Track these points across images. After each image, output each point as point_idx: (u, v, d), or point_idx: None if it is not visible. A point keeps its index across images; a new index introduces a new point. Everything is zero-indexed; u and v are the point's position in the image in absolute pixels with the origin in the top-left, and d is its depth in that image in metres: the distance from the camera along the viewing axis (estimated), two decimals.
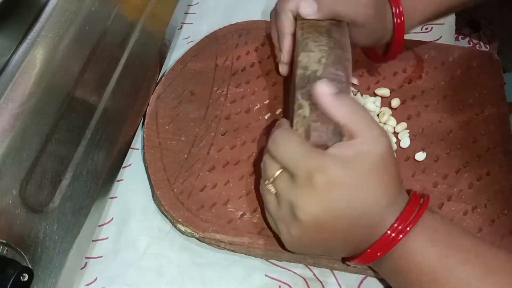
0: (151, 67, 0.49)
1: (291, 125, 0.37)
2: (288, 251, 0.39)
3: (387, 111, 0.48)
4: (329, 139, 0.35)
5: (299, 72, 0.39)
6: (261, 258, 0.42)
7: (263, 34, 0.54)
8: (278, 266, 0.42)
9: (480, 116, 0.49)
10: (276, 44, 0.48)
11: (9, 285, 0.31)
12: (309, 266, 0.42)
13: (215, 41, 0.54)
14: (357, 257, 0.36)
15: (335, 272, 0.42)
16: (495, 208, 0.43)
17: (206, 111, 0.49)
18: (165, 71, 0.52)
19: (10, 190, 0.36)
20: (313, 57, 0.39)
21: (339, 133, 0.35)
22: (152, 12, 0.51)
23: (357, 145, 0.34)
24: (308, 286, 0.41)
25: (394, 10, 0.45)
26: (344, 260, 0.39)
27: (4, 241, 0.34)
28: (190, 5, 0.60)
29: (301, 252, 0.39)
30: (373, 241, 0.34)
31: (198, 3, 0.60)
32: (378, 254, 0.35)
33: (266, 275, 0.41)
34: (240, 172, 0.45)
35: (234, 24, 0.55)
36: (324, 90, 0.35)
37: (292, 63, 0.44)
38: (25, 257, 0.35)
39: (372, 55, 0.51)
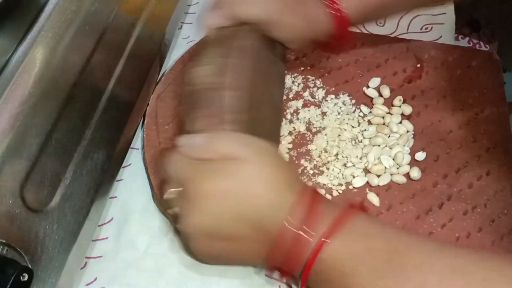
0: (151, 67, 0.49)
1: None
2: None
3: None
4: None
5: (190, 87, 0.41)
6: None
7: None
8: None
9: (480, 116, 0.49)
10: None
11: (9, 285, 0.31)
12: None
13: None
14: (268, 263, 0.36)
15: None
16: (495, 208, 0.43)
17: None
18: (165, 71, 0.52)
19: (10, 190, 0.36)
20: (204, 72, 0.40)
21: None
22: (152, 12, 0.51)
23: (235, 159, 0.35)
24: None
25: (328, 7, 0.44)
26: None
27: (4, 241, 0.34)
28: (190, 5, 0.60)
29: (216, 264, 0.40)
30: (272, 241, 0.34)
31: (198, 3, 0.60)
32: (282, 255, 0.34)
33: (266, 275, 0.41)
34: None
35: None
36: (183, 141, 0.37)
37: None
38: (25, 257, 0.35)
39: (323, 47, 0.51)
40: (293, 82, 0.51)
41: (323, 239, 0.32)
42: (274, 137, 0.44)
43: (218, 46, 0.42)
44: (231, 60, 0.40)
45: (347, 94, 0.50)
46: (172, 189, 0.36)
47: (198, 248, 0.37)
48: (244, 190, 0.34)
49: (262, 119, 0.42)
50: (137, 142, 0.49)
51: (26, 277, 0.33)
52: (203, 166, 0.35)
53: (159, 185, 0.42)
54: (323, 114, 0.49)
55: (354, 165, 0.46)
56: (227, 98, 0.39)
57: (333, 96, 0.50)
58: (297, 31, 0.45)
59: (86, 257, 0.42)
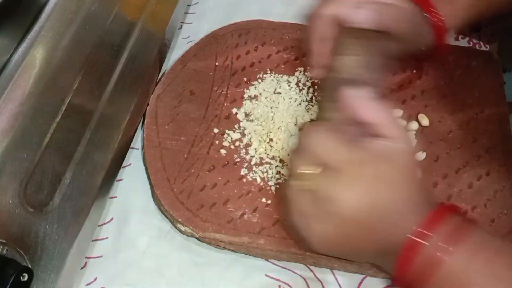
0: (151, 67, 0.49)
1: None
2: (316, 253, 0.38)
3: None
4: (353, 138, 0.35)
5: (335, 75, 0.40)
6: (261, 258, 0.42)
7: (263, 34, 0.54)
8: (278, 265, 0.42)
9: (480, 116, 0.49)
10: (313, 47, 0.44)
11: (9, 285, 0.32)
12: (309, 265, 0.42)
13: (215, 41, 0.54)
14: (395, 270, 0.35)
15: (335, 271, 0.42)
16: (495, 208, 0.43)
17: (206, 110, 0.49)
18: (165, 70, 0.52)
19: (10, 190, 0.36)
20: (351, 62, 0.40)
21: (363, 134, 0.35)
22: (152, 12, 0.51)
23: (391, 143, 0.34)
24: (308, 286, 0.41)
25: (432, 19, 0.44)
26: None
27: (4, 241, 0.34)
28: (190, 5, 0.60)
29: (329, 253, 0.38)
30: (398, 248, 0.33)
31: (198, 3, 0.60)
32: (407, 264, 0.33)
33: (266, 275, 0.41)
34: (240, 172, 0.45)
35: (234, 23, 0.55)
36: (359, 94, 0.36)
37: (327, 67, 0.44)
38: (25, 257, 0.35)
39: (418, 58, 0.51)
40: (297, 83, 0.51)
41: (440, 254, 0.32)
42: None
43: (360, 42, 0.41)
44: (374, 57, 0.40)
45: None
46: (310, 167, 0.35)
47: (336, 233, 0.35)
48: (405, 188, 0.34)
49: None
50: (137, 142, 0.49)
51: (26, 277, 0.33)
52: (370, 149, 0.34)
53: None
54: None
55: None
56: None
57: None
58: (410, 49, 0.45)
59: (86, 257, 0.42)
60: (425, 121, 0.48)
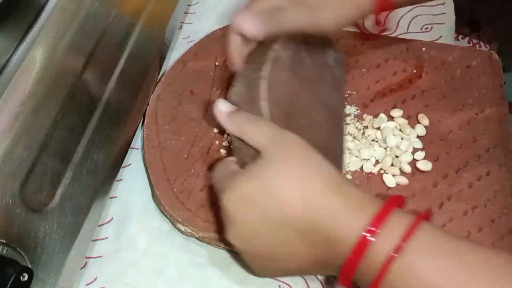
0: (151, 67, 0.49)
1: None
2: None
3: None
4: (244, 155, 0.36)
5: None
6: None
7: None
8: None
9: (480, 116, 0.49)
10: (229, 53, 0.43)
11: (9, 285, 0.32)
12: None
13: (215, 41, 0.54)
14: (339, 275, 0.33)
15: None
16: (495, 208, 0.43)
17: (206, 110, 0.49)
18: (165, 70, 0.52)
19: (10, 190, 0.36)
20: (235, 91, 0.40)
21: (248, 148, 0.36)
22: (152, 12, 0.51)
23: (260, 155, 0.34)
24: (308, 286, 0.41)
25: None
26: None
27: (4, 241, 0.34)
28: (190, 5, 0.60)
29: (276, 276, 0.39)
30: (337, 249, 0.32)
31: (198, 3, 0.60)
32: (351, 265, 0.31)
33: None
34: None
35: None
36: (218, 109, 0.37)
37: None
38: (25, 257, 0.35)
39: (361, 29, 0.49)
40: None
41: (392, 253, 0.30)
42: (333, 141, 0.44)
43: (252, 62, 0.41)
44: (263, 73, 0.39)
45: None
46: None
47: (250, 261, 0.36)
48: (281, 198, 0.32)
49: (311, 125, 0.41)
50: (137, 142, 0.49)
51: (26, 277, 0.33)
52: (237, 174, 0.34)
53: None
54: None
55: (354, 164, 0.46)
56: (263, 108, 0.37)
57: None
58: (344, 14, 0.42)
59: (86, 257, 0.42)
60: (425, 121, 0.48)
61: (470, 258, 0.30)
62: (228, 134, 0.46)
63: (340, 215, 0.32)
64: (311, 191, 0.32)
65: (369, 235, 0.30)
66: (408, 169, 0.45)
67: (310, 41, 0.45)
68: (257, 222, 0.33)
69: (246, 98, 0.39)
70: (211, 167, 0.44)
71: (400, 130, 0.47)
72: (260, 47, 0.42)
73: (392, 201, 0.32)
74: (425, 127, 0.48)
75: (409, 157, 0.45)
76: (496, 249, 0.37)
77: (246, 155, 0.36)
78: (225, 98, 0.39)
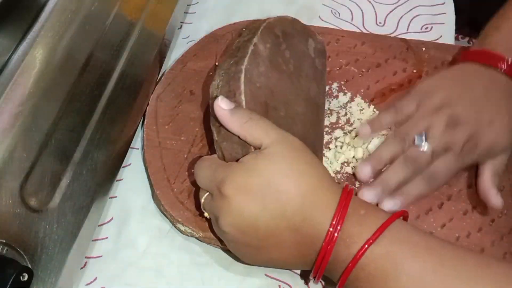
0: (151, 67, 0.49)
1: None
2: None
3: None
4: (237, 153, 0.37)
5: (210, 102, 0.40)
6: None
7: None
8: None
9: None
10: None
11: (9, 285, 0.32)
12: None
13: (214, 41, 0.54)
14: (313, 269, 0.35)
15: None
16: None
17: (206, 110, 0.49)
18: (165, 70, 0.52)
19: (10, 190, 0.36)
20: (214, 84, 0.41)
21: (245, 145, 0.37)
22: (152, 11, 0.51)
23: (260, 150, 0.35)
24: (308, 286, 0.41)
25: None
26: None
27: (4, 241, 0.34)
28: (190, 5, 0.60)
29: (257, 264, 0.39)
30: (318, 244, 0.34)
31: (198, 2, 0.60)
32: (325, 261, 0.33)
33: (266, 275, 0.41)
34: None
35: (234, 23, 0.55)
36: (218, 107, 0.37)
37: None
38: (25, 257, 0.35)
39: None
40: None
41: (366, 245, 0.32)
42: (312, 132, 0.44)
43: (231, 56, 0.42)
44: (241, 66, 0.40)
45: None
46: (203, 195, 0.37)
47: (239, 249, 0.37)
48: (276, 190, 0.34)
49: (291, 117, 0.42)
50: (137, 142, 0.49)
51: (26, 277, 0.33)
52: (232, 166, 0.35)
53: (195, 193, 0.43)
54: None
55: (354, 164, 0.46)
56: (241, 102, 0.38)
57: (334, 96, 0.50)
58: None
59: (86, 257, 0.42)
60: None
61: (437, 247, 0.33)
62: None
63: (323, 210, 0.34)
64: (308, 186, 0.34)
65: (331, 229, 0.33)
66: None
67: (290, 32, 0.45)
68: (255, 212, 0.34)
69: (224, 91, 0.39)
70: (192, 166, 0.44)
71: None
72: (240, 40, 0.43)
73: (346, 195, 0.34)
74: None
75: None
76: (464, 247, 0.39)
77: (239, 151, 0.37)
78: None
